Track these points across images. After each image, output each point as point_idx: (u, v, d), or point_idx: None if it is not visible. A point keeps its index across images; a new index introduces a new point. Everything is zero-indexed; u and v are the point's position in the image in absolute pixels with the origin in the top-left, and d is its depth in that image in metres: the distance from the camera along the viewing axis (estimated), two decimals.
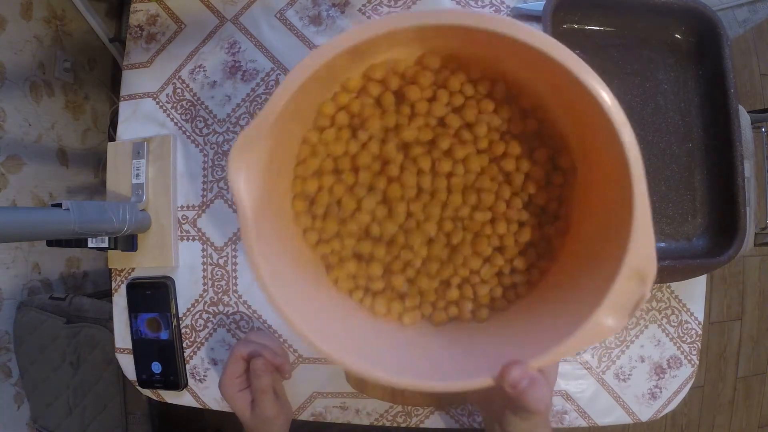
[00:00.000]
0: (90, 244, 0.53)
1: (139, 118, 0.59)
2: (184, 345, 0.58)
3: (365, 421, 0.56)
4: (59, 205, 0.43)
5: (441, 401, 0.53)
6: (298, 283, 0.31)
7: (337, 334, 0.31)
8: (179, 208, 0.58)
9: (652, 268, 0.25)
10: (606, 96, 0.25)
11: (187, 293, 0.57)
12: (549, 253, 0.34)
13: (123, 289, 0.58)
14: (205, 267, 0.57)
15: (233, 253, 0.57)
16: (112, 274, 0.59)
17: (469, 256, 0.34)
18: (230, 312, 0.57)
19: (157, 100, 0.59)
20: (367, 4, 0.57)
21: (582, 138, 0.32)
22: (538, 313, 0.32)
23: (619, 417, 0.55)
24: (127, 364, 0.58)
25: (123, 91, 0.60)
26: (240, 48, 0.58)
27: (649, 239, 0.25)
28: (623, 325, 0.26)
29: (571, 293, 0.30)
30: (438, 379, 0.28)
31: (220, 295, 0.57)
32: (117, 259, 0.58)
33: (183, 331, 0.58)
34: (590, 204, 0.32)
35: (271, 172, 0.30)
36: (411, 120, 0.33)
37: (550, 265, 0.34)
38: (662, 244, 0.52)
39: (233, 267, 0.57)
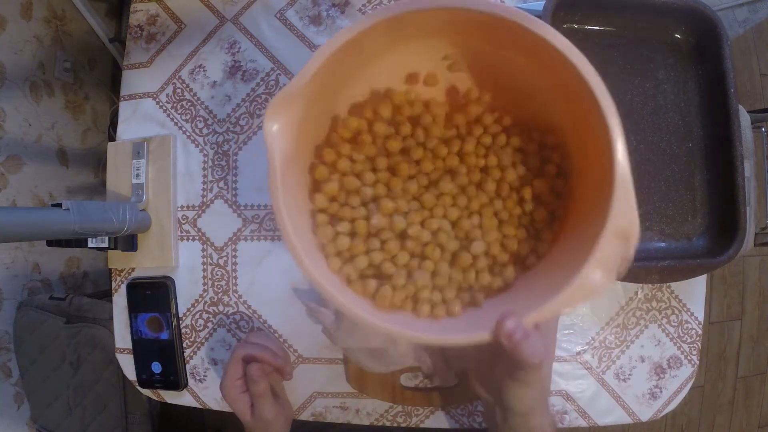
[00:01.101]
0: (90, 244, 0.53)
1: (139, 118, 0.59)
2: (184, 345, 0.58)
3: (365, 421, 0.56)
4: (59, 205, 0.43)
5: (441, 401, 0.53)
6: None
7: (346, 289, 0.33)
8: (179, 208, 0.58)
9: (634, 228, 0.27)
10: (589, 69, 0.28)
11: (187, 293, 0.57)
12: (552, 224, 0.36)
13: (123, 289, 0.58)
14: (205, 267, 0.57)
15: (233, 253, 0.57)
16: (112, 274, 0.59)
17: (487, 227, 0.35)
18: (230, 312, 0.57)
19: (157, 100, 0.59)
20: (367, 4, 0.57)
21: (573, 113, 0.34)
22: (534, 275, 0.34)
23: (619, 417, 0.55)
24: (127, 364, 0.58)
25: (123, 91, 0.60)
26: (240, 48, 0.58)
27: (630, 201, 0.27)
28: (610, 282, 0.28)
29: (564, 256, 0.32)
30: (439, 333, 0.30)
31: (220, 295, 0.57)
32: (117, 259, 0.58)
33: (183, 331, 0.58)
34: (585, 174, 0.34)
35: (301, 132, 0.32)
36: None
37: (554, 236, 0.35)
38: (662, 244, 0.52)
39: (233, 267, 0.57)
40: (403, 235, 0.35)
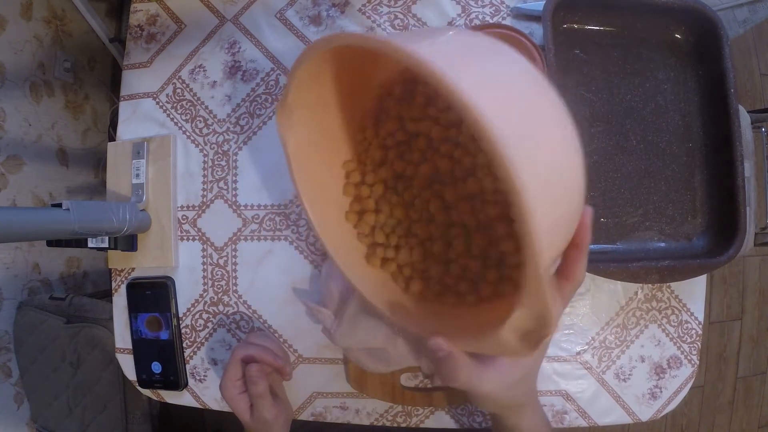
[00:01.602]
0: (90, 244, 0.53)
1: (139, 118, 0.59)
2: (184, 345, 0.58)
3: (365, 421, 0.56)
4: (59, 205, 0.43)
5: (441, 401, 0.53)
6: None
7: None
8: (179, 208, 0.58)
9: (549, 318, 0.24)
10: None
11: (187, 293, 0.57)
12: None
13: (123, 289, 0.58)
14: (205, 267, 0.57)
15: (233, 253, 0.57)
16: (112, 274, 0.59)
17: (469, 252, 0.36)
18: (230, 312, 0.57)
19: (157, 100, 0.59)
20: (367, 4, 0.57)
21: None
22: (480, 313, 0.34)
23: (619, 417, 0.55)
24: (127, 364, 0.58)
25: (123, 91, 0.60)
26: (240, 48, 0.58)
27: (540, 291, 0.23)
28: (526, 353, 0.27)
29: (505, 308, 0.31)
30: (396, 312, 0.33)
31: (220, 295, 0.57)
32: (117, 259, 0.58)
33: (183, 331, 0.58)
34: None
35: (322, 120, 0.36)
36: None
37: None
38: (662, 244, 0.53)
39: (233, 267, 0.57)
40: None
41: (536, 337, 0.26)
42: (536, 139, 0.22)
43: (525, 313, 0.25)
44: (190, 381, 0.58)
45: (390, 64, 0.36)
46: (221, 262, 0.57)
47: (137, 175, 0.56)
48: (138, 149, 0.56)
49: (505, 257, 0.33)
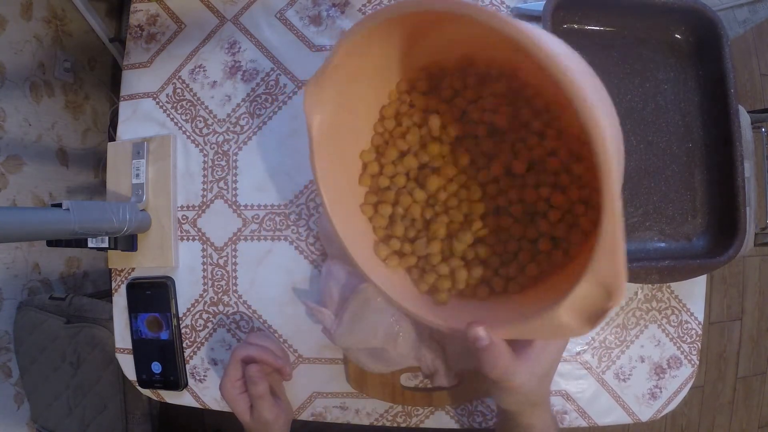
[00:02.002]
0: (90, 244, 0.53)
1: (139, 118, 0.59)
2: (184, 345, 0.58)
3: (365, 421, 0.56)
4: (59, 205, 0.43)
5: (441, 401, 0.53)
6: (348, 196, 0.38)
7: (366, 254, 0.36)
8: (179, 208, 0.58)
9: (618, 284, 0.24)
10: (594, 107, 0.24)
11: (187, 293, 0.57)
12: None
13: (123, 289, 0.58)
14: (205, 267, 0.57)
15: (233, 253, 0.57)
16: (112, 274, 0.59)
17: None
18: (230, 312, 0.57)
19: (157, 100, 0.59)
20: (367, 4, 0.57)
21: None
22: (525, 297, 0.35)
23: (619, 417, 0.55)
24: (127, 364, 0.58)
25: (123, 91, 0.60)
26: (240, 48, 0.58)
27: (617, 257, 0.24)
28: (584, 331, 0.27)
29: (549, 291, 0.32)
30: (428, 313, 0.33)
31: (220, 295, 0.57)
32: (117, 259, 0.58)
33: (183, 331, 0.58)
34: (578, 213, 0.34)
35: (343, 108, 0.35)
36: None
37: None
38: (662, 244, 0.52)
39: (233, 267, 0.57)
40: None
41: (599, 310, 0.26)
42: (606, 110, 0.25)
43: (589, 285, 0.25)
44: (190, 381, 0.58)
45: (419, 55, 0.37)
46: (221, 262, 0.57)
47: (137, 175, 0.56)
48: (138, 149, 0.56)
49: (556, 235, 0.34)
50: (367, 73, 0.36)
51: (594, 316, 0.26)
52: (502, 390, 0.34)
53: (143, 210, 0.56)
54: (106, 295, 0.86)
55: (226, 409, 0.53)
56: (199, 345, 0.58)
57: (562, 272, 0.34)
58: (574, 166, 0.34)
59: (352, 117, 0.38)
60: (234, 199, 0.57)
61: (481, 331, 0.30)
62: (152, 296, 0.57)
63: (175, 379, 0.57)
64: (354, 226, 0.38)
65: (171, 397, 0.59)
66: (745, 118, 0.64)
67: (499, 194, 0.36)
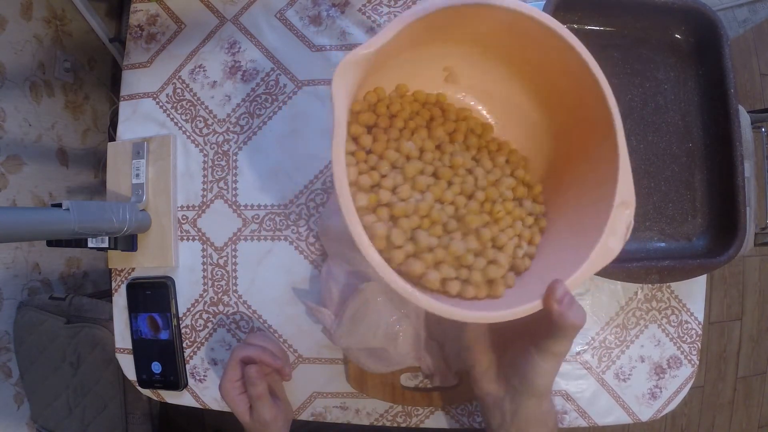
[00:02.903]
0: (90, 244, 0.53)
1: (139, 118, 0.59)
2: (184, 345, 0.58)
3: (365, 421, 0.56)
4: (59, 205, 0.43)
5: (441, 401, 0.53)
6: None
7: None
8: (179, 208, 0.58)
9: (632, 198, 0.33)
10: (596, 69, 0.34)
11: (187, 293, 0.57)
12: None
13: (123, 289, 0.58)
14: (205, 267, 0.57)
15: (233, 253, 0.57)
16: (112, 274, 0.59)
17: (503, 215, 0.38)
18: (230, 312, 0.57)
19: (157, 100, 0.59)
20: (367, 4, 0.57)
21: (579, 98, 0.38)
22: (546, 255, 0.38)
23: (619, 417, 0.55)
24: (127, 364, 0.58)
25: (123, 91, 0.60)
26: (240, 48, 0.58)
27: (628, 177, 0.33)
28: (621, 247, 0.33)
29: (574, 232, 0.37)
30: (493, 310, 0.32)
31: (220, 295, 0.57)
32: (117, 259, 0.58)
33: (183, 331, 0.58)
34: (586, 157, 0.38)
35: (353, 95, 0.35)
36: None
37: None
38: (662, 244, 0.52)
39: (233, 267, 0.57)
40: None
41: (626, 225, 0.33)
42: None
43: (617, 208, 0.32)
44: (190, 381, 0.58)
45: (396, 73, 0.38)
46: (221, 262, 0.57)
47: (137, 175, 0.56)
48: (138, 149, 0.56)
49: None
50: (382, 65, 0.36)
51: (623, 233, 0.33)
52: (552, 356, 0.35)
53: (143, 210, 0.56)
54: (106, 295, 0.86)
55: (226, 409, 0.53)
56: (199, 345, 0.58)
57: (574, 221, 0.38)
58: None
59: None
60: (234, 199, 0.57)
61: (562, 289, 0.32)
62: (152, 296, 0.57)
63: (175, 379, 0.57)
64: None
65: (171, 397, 0.59)
66: (745, 118, 0.64)
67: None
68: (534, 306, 0.32)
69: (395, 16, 0.57)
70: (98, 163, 1.26)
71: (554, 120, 0.40)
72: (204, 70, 0.58)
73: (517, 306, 0.32)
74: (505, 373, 0.38)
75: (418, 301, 0.31)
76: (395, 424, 0.55)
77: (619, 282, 0.54)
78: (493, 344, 0.39)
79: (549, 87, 0.39)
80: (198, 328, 0.57)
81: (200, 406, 0.58)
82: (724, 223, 0.50)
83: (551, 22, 0.33)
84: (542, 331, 0.34)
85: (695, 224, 0.53)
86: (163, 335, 0.57)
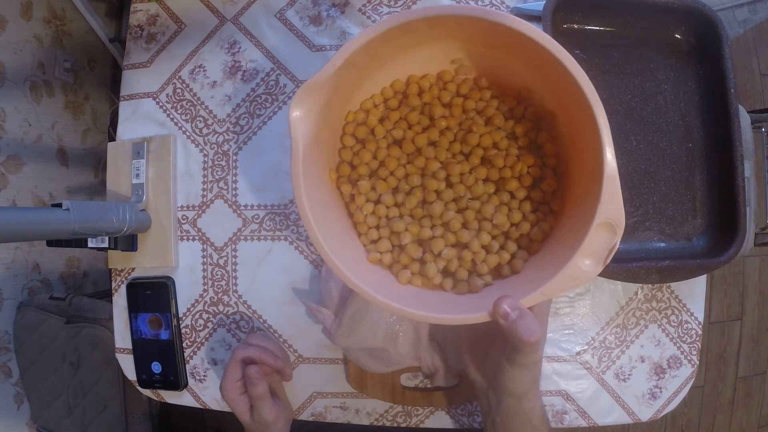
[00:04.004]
0: (90, 244, 0.53)
1: (139, 118, 0.59)
2: (184, 345, 0.58)
3: (365, 421, 0.56)
4: (59, 205, 0.43)
5: (441, 401, 0.53)
6: (327, 213, 0.36)
7: (358, 265, 0.35)
8: (179, 208, 0.58)
9: (621, 220, 0.30)
10: (583, 79, 0.30)
11: (187, 293, 0.57)
12: (548, 217, 0.38)
13: (123, 289, 0.58)
14: (205, 267, 0.57)
15: (233, 253, 0.57)
16: (112, 274, 0.59)
17: (484, 227, 0.37)
18: (230, 312, 0.57)
19: (157, 100, 0.59)
20: (367, 4, 0.57)
21: (567, 118, 0.36)
22: (531, 264, 0.36)
23: (619, 417, 0.55)
24: (127, 364, 0.58)
25: (123, 91, 0.60)
26: (240, 48, 0.58)
27: (616, 195, 0.30)
28: (598, 271, 0.31)
29: (557, 246, 0.35)
30: (444, 313, 0.32)
31: (220, 295, 0.57)
32: (117, 259, 0.58)
33: (183, 331, 0.58)
34: (577, 171, 0.36)
35: (322, 122, 0.35)
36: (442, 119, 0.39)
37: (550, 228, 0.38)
38: (662, 244, 0.52)
39: (233, 267, 0.57)
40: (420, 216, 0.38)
41: (608, 248, 0.30)
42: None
43: (598, 227, 0.30)
44: (190, 381, 0.58)
45: (373, 84, 0.38)
46: (221, 262, 0.57)
47: (137, 175, 0.56)
48: (138, 149, 0.56)
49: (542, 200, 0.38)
50: (346, 86, 0.37)
51: (604, 255, 0.30)
52: (520, 366, 0.35)
53: (143, 210, 0.56)
54: (106, 295, 0.86)
55: (226, 409, 0.53)
56: (199, 345, 0.58)
57: (553, 235, 0.37)
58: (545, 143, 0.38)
59: (326, 129, 0.38)
60: (234, 199, 0.57)
61: (510, 303, 0.31)
62: (152, 296, 0.57)
63: (175, 379, 0.57)
64: (345, 249, 0.37)
65: (171, 397, 0.59)
66: (745, 118, 0.64)
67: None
68: (481, 316, 0.32)
69: None
70: (98, 163, 1.25)
71: (563, 114, 0.38)
72: (204, 70, 0.58)
73: (467, 313, 0.32)
74: (487, 370, 0.39)
75: (367, 296, 0.32)
76: (395, 424, 0.55)
77: (619, 282, 0.54)
78: (477, 342, 0.41)
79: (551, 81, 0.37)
80: (198, 328, 0.57)
81: (200, 406, 0.58)
82: (724, 223, 0.50)
83: (503, 19, 0.31)
84: (508, 342, 0.34)
85: (695, 224, 0.53)
86: (163, 335, 0.57)
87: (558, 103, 0.37)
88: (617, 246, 0.30)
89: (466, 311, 0.33)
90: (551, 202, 0.38)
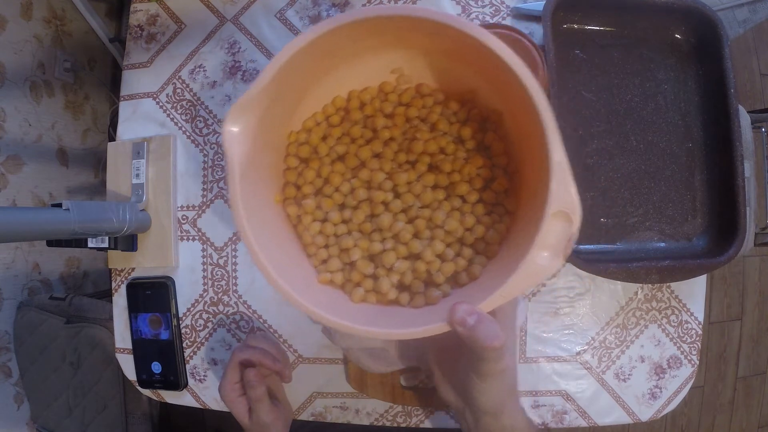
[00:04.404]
0: (90, 244, 0.53)
1: (139, 118, 0.59)
2: (184, 345, 0.58)
3: (365, 421, 0.56)
4: (59, 205, 0.43)
5: (441, 401, 0.53)
6: (274, 235, 0.35)
7: (308, 287, 0.34)
8: (179, 208, 0.58)
9: (575, 209, 0.28)
10: (523, 70, 0.29)
11: (187, 293, 0.57)
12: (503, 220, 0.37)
13: (123, 289, 0.58)
14: (205, 267, 0.57)
15: (233, 253, 0.57)
16: (112, 274, 0.59)
17: (438, 234, 0.36)
18: (230, 312, 0.57)
19: (157, 100, 0.59)
20: (367, 4, 0.57)
21: (513, 116, 0.35)
22: (488, 269, 0.35)
23: (619, 417, 0.55)
24: (127, 364, 0.58)
25: (123, 91, 0.60)
26: (240, 48, 0.58)
27: (567, 185, 0.28)
28: (558, 265, 0.29)
29: (513, 245, 0.33)
30: (401, 327, 0.31)
31: (220, 295, 0.57)
32: (117, 259, 0.58)
33: (183, 331, 0.58)
34: (529, 167, 0.35)
35: (262, 142, 0.34)
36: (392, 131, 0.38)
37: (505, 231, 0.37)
38: (662, 244, 0.53)
39: (233, 267, 0.57)
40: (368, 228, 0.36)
41: (566, 239, 0.28)
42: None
43: (552, 218, 0.28)
44: (190, 381, 0.58)
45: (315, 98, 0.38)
46: (221, 262, 0.57)
47: (137, 175, 0.56)
48: (138, 149, 0.56)
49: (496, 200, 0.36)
50: (285, 104, 0.36)
51: (562, 246, 0.29)
52: (487, 377, 0.32)
53: (143, 210, 0.56)
54: (106, 295, 0.86)
55: (226, 409, 0.53)
56: (199, 345, 0.58)
57: (509, 235, 0.36)
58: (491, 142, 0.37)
59: (269, 150, 0.37)
60: None
61: (466, 309, 0.29)
62: (152, 296, 0.57)
63: (175, 379, 0.57)
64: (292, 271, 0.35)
65: (171, 397, 0.59)
66: (745, 118, 0.63)
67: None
68: (439, 327, 0.30)
69: None
70: (98, 163, 1.25)
71: (509, 112, 0.37)
72: (204, 70, 0.58)
73: (425, 326, 0.30)
74: (458, 387, 0.37)
75: (317, 317, 0.31)
76: (395, 424, 0.55)
77: (619, 282, 0.54)
78: (444, 358, 0.38)
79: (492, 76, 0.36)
80: (198, 328, 0.57)
81: (200, 406, 0.58)
82: (724, 223, 0.50)
83: (428, 14, 0.29)
84: (472, 352, 0.32)
85: (695, 224, 0.53)
86: (163, 335, 0.57)
87: (503, 101, 0.36)
88: (576, 235, 0.29)
89: (424, 324, 0.31)
90: (505, 202, 0.36)
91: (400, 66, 0.37)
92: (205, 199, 0.57)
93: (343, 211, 0.37)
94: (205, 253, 0.57)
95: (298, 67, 0.32)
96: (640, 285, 0.55)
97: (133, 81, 0.60)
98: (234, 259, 0.57)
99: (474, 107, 0.37)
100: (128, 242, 0.54)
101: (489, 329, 0.29)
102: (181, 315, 0.57)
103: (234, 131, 0.31)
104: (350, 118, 0.38)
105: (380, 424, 0.56)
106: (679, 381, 0.55)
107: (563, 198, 0.28)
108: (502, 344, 0.30)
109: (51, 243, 0.50)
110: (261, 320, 0.56)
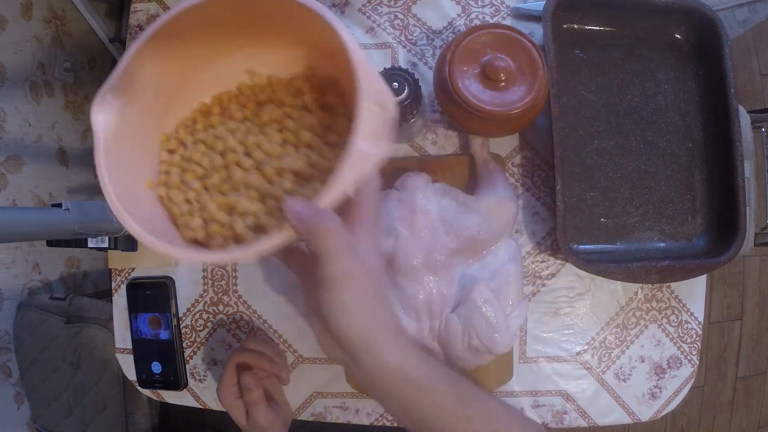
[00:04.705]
0: (90, 244, 0.53)
1: None
2: (184, 345, 0.58)
3: (365, 421, 0.56)
4: (59, 205, 0.43)
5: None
6: (153, 216, 0.38)
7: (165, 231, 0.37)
8: None
9: (386, 95, 0.31)
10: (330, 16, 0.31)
11: (187, 293, 0.57)
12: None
13: (123, 289, 0.58)
14: (205, 267, 0.57)
15: None
16: (112, 274, 0.59)
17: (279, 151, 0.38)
18: (230, 312, 0.57)
19: None
20: (367, 4, 0.57)
21: (344, 76, 0.37)
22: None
23: (619, 417, 0.55)
24: (127, 364, 0.58)
25: None
26: None
27: (373, 75, 0.31)
28: (384, 150, 0.31)
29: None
30: (239, 250, 0.32)
31: (220, 295, 0.57)
32: (117, 259, 0.58)
33: (183, 331, 0.58)
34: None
35: (129, 115, 0.39)
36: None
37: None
38: (662, 244, 0.53)
39: (233, 267, 0.57)
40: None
41: (383, 124, 0.31)
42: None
43: (365, 107, 0.30)
44: (190, 381, 0.58)
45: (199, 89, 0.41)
46: None
47: None
48: None
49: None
50: (153, 104, 0.39)
51: (382, 132, 0.31)
52: (335, 279, 0.28)
53: None
54: (106, 295, 0.86)
55: None
56: (199, 345, 0.58)
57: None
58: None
59: (138, 129, 0.40)
60: None
61: (298, 202, 0.27)
62: (152, 296, 0.57)
63: (175, 379, 0.57)
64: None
65: (171, 397, 0.59)
66: (745, 118, 0.64)
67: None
68: (277, 235, 0.29)
69: (395, 16, 0.57)
70: None
71: (343, 76, 0.38)
72: None
73: (266, 242, 0.30)
74: (323, 322, 0.31)
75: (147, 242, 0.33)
76: (395, 424, 0.55)
77: (619, 282, 0.54)
78: (310, 296, 0.33)
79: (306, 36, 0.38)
80: (198, 328, 0.57)
81: (200, 406, 0.58)
82: (724, 223, 0.50)
83: None
84: (314, 258, 0.29)
85: (695, 224, 0.53)
86: (163, 335, 0.57)
87: (335, 68, 0.38)
88: (392, 118, 0.31)
89: (266, 239, 0.30)
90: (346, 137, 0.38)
91: (251, 64, 0.41)
92: None
93: (205, 180, 0.39)
94: None
95: (155, 54, 0.36)
96: (640, 285, 0.55)
97: None
98: None
99: (312, 78, 0.40)
100: (128, 242, 0.54)
101: (325, 237, 0.27)
102: (181, 315, 0.57)
103: (99, 123, 0.37)
104: (211, 123, 0.41)
105: (380, 424, 0.56)
106: (679, 381, 0.55)
107: (372, 87, 0.30)
108: (331, 227, 0.27)
109: (51, 243, 0.50)
110: (261, 320, 0.56)
